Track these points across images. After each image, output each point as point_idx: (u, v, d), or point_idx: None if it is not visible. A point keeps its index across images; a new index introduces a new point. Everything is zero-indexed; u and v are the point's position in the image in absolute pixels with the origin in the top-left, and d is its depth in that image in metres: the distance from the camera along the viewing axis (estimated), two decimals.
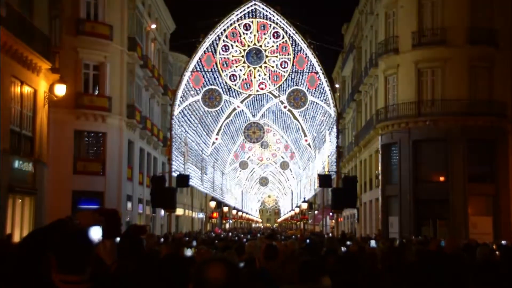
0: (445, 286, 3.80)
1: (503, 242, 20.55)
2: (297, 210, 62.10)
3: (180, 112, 33.68)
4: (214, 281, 2.52)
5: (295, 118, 40.14)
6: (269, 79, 32.56)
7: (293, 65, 32.44)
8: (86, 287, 2.92)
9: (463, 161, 31.05)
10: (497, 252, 11.71)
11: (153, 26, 40.32)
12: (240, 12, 32.23)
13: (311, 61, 32.47)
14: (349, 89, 51.23)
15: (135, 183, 36.17)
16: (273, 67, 32.46)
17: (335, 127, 33.24)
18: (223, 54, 32.43)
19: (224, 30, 32.37)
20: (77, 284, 2.90)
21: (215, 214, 59.08)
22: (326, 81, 32.45)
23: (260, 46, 32.23)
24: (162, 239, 16.39)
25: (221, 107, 35.90)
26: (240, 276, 2.64)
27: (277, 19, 32.23)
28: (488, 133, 31.26)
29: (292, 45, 32.29)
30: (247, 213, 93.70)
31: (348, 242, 15.14)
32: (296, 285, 5.00)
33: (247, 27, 32.45)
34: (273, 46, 32.33)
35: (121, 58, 33.02)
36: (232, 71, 32.51)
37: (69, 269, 2.90)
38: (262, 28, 32.44)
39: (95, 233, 3.32)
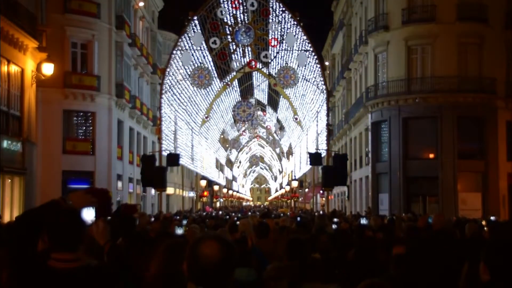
0: (434, 263, 3.82)
1: (492, 218, 20.79)
2: (287, 188, 62.34)
3: (169, 91, 33.43)
4: (209, 258, 2.53)
5: (285, 96, 40.00)
6: (258, 57, 32.32)
7: (282, 41, 32.21)
8: (79, 264, 2.95)
9: (452, 138, 31.20)
10: (485, 228, 11.82)
11: (141, 4, 39.89)
12: None
13: (300, 39, 32.25)
14: (339, 67, 51.16)
15: (125, 162, 36.08)
16: (262, 44, 32.20)
17: (325, 105, 33.15)
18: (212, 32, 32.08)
19: (213, 7, 32.01)
20: (70, 262, 2.93)
21: (205, 193, 59.18)
22: (315, 59, 32.25)
23: (250, 24, 31.91)
24: (153, 218, 16.39)
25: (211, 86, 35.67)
26: (234, 253, 2.65)
27: None
28: (478, 110, 31.37)
29: (281, 22, 32.02)
30: (238, 192, 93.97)
31: (335, 219, 15.19)
32: (285, 262, 5.02)
33: (235, 5, 32.08)
34: (262, 24, 32.02)
35: (109, 36, 32.69)
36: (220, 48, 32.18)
37: (62, 247, 2.94)
38: (251, 5, 32.09)
39: (88, 214, 3.33)
